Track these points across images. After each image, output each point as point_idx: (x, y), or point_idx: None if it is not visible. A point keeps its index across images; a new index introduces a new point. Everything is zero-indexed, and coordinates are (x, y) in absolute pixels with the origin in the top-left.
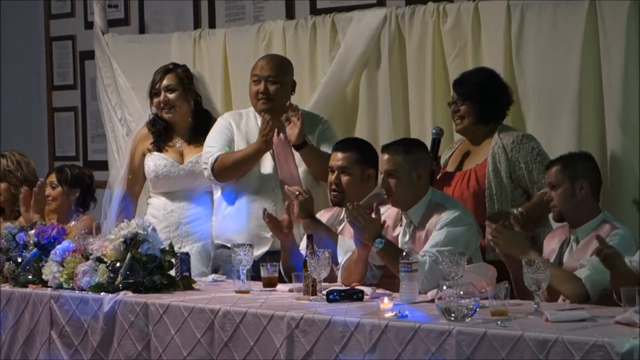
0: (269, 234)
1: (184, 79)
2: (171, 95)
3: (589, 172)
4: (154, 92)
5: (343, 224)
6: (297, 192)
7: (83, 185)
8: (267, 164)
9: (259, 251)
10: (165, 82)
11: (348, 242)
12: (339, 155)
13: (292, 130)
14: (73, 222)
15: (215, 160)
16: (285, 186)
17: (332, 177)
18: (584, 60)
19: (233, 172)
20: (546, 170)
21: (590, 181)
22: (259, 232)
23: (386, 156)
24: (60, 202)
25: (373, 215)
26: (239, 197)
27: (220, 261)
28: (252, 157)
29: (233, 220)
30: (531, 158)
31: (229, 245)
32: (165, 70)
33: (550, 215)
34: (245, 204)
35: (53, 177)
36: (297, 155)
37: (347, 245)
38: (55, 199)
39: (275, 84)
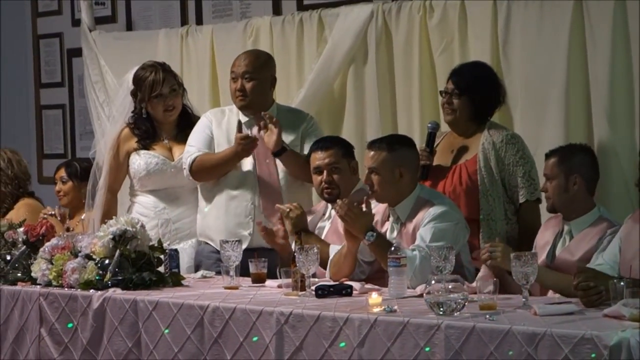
0: (246, 232)
1: (178, 77)
2: (176, 98)
3: (585, 166)
4: (154, 95)
5: (329, 222)
6: (288, 210)
7: None
8: (246, 161)
9: None
10: (169, 85)
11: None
12: (323, 154)
13: (270, 138)
14: (84, 216)
15: (193, 161)
16: (276, 205)
17: (322, 177)
18: (570, 54)
19: (211, 173)
20: (545, 159)
21: (584, 176)
22: (237, 230)
23: (370, 153)
24: (71, 197)
25: (364, 208)
26: (217, 194)
27: (202, 257)
28: (230, 161)
29: (212, 218)
30: (514, 161)
31: (211, 243)
32: (163, 71)
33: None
34: (224, 202)
35: (63, 172)
36: None
37: None
38: (66, 193)
39: (251, 80)
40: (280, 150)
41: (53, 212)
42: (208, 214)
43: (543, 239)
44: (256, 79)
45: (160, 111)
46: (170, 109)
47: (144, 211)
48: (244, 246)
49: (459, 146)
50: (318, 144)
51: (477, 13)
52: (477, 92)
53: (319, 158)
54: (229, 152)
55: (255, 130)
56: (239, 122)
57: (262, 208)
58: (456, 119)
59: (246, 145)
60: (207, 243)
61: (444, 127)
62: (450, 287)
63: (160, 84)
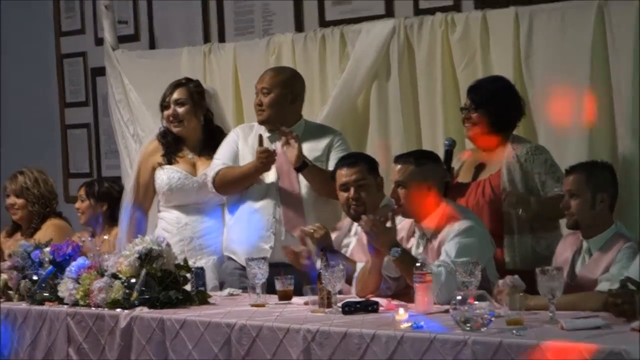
0: (267, 246)
1: (195, 93)
2: (180, 109)
3: (610, 184)
4: (163, 105)
5: (355, 238)
6: (312, 231)
7: (111, 200)
8: (269, 175)
9: None
10: (175, 96)
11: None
12: (349, 170)
13: (291, 153)
14: (106, 237)
15: (217, 174)
16: (300, 227)
17: (349, 194)
18: (593, 66)
19: (232, 187)
20: (565, 175)
21: (610, 194)
22: (258, 244)
23: (398, 167)
24: (88, 216)
25: (388, 224)
26: (241, 207)
27: (225, 275)
28: (250, 176)
29: (236, 231)
30: (545, 169)
31: (234, 257)
32: (177, 84)
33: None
34: (246, 215)
35: (82, 191)
36: None
37: None
38: (83, 212)
39: (268, 94)
40: (301, 166)
41: (84, 239)
42: (232, 227)
43: (562, 256)
44: (273, 93)
45: (168, 122)
46: (173, 119)
47: (167, 227)
48: None
49: (481, 161)
50: (344, 160)
51: (499, 26)
52: (493, 106)
53: (346, 175)
54: (250, 167)
55: (278, 145)
56: (260, 136)
57: (284, 222)
58: (475, 133)
59: (265, 159)
60: (230, 258)
61: (468, 145)
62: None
63: (167, 95)
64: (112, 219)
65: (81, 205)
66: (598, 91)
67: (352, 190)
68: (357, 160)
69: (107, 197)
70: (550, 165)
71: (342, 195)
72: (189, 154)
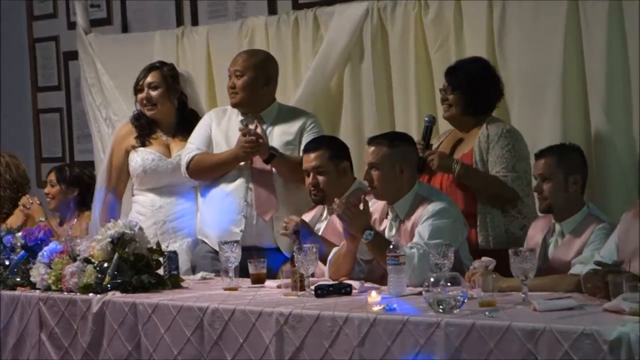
0: (238, 229)
1: (169, 77)
2: (153, 93)
3: (581, 166)
4: (137, 89)
5: (325, 223)
6: (284, 225)
7: (82, 185)
8: None
9: None
10: (148, 79)
11: None
12: (310, 156)
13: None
14: (76, 220)
15: (191, 159)
16: (275, 232)
17: (309, 180)
18: (566, 47)
19: (208, 173)
20: (535, 159)
21: (581, 176)
22: (229, 227)
23: (371, 148)
24: (58, 201)
25: (361, 207)
26: (213, 191)
27: (198, 258)
28: (229, 163)
29: (208, 214)
30: (500, 153)
31: (207, 241)
32: (150, 68)
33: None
34: (218, 199)
35: (53, 176)
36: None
37: None
38: (53, 197)
39: (241, 77)
40: (269, 157)
41: (32, 202)
42: (204, 211)
43: (532, 239)
44: (246, 75)
45: (142, 105)
46: (147, 103)
47: (141, 210)
48: None
49: (460, 140)
50: (308, 145)
51: (473, 8)
52: (469, 88)
53: (306, 160)
54: (229, 154)
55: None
56: (246, 125)
57: (255, 205)
58: (452, 115)
59: (250, 149)
60: (203, 242)
61: (444, 126)
62: (449, 284)
63: (141, 79)
64: (82, 205)
65: (51, 190)
66: (571, 72)
67: (311, 176)
68: (319, 145)
69: (78, 182)
70: (507, 150)
71: (306, 180)
72: (162, 135)
